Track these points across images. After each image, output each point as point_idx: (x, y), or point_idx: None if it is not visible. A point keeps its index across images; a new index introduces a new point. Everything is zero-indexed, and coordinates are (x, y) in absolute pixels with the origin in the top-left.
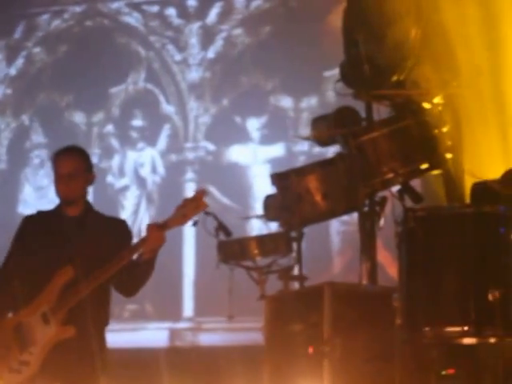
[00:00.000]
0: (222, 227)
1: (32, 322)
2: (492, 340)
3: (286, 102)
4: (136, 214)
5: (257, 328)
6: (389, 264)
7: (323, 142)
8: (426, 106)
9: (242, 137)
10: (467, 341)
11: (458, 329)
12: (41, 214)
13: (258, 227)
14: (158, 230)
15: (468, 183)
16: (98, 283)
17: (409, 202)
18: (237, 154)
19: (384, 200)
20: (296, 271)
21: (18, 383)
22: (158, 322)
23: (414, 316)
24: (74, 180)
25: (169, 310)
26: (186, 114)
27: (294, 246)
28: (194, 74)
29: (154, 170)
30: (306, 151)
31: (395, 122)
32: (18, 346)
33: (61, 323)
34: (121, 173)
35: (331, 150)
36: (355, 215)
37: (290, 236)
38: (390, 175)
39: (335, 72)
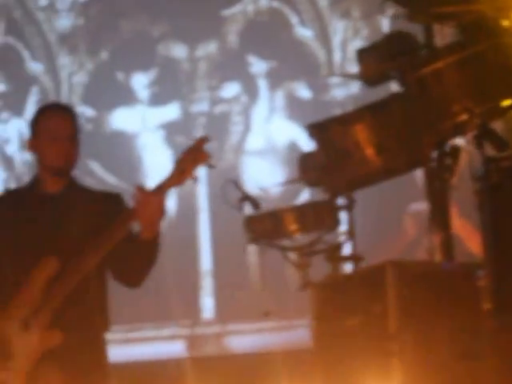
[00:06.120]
0: (247, 197)
1: (7, 330)
2: None
3: (179, 50)
4: None
5: (302, 325)
6: (467, 236)
7: (373, 81)
8: (506, 23)
9: (127, 97)
10: None
11: None
12: (11, 194)
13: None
14: (151, 195)
15: None
16: (83, 273)
17: (490, 151)
18: (122, 119)
19: (457, 150)
20: (348, 250)
21: None
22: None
23: (508, 297)
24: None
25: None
26: (57, 71)
27: (344, 217)
28: (64, 22)
29: (22, 145)
30: (206, 112)
31: (465, 47)
32: None
33: (44, 328)
34: None
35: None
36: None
37: (337, 204)
38: (464, 116)
39: (237, 10)
